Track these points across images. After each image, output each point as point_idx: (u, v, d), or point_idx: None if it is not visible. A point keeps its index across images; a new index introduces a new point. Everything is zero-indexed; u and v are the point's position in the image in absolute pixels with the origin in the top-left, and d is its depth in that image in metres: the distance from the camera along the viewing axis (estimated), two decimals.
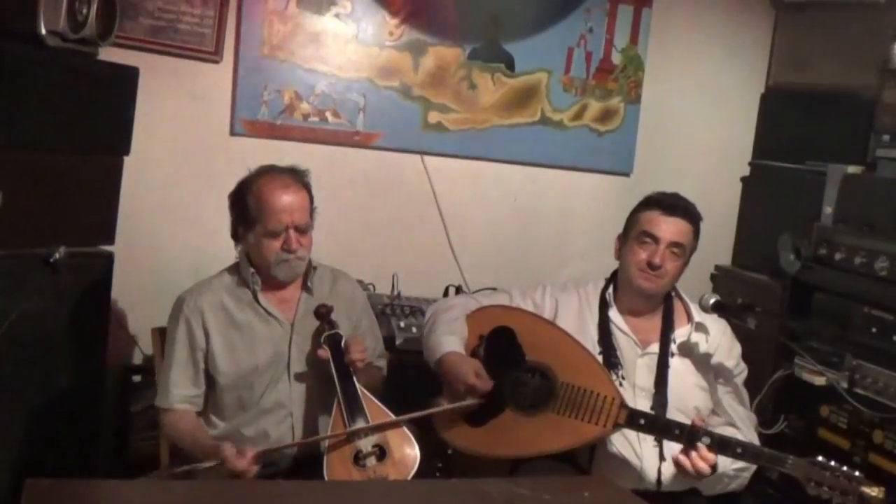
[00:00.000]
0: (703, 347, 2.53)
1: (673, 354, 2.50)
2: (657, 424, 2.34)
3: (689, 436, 2.28)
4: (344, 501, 2.01)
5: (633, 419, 2.34)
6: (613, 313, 2.57)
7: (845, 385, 2.90)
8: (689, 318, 2.57)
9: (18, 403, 2.58)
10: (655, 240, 2.48)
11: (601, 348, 2.51)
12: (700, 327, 2.55)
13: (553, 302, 2.64)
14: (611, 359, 2.49)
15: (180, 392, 2.42)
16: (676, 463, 2.30)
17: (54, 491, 1.81)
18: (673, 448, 2.34)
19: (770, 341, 3.14)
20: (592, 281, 2.68)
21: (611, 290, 2.61)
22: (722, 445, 2.27)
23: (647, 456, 2.40)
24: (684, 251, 2.51)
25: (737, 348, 2.58)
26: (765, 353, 3.15)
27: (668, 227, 2.48)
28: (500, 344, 2.55)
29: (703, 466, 2.26)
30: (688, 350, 2.52)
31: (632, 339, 2.53)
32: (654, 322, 2.56)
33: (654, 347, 2.52)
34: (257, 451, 2.24)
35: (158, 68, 3.16)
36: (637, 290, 2.52)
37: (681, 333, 2.54)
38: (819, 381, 2.97)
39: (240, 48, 3.32)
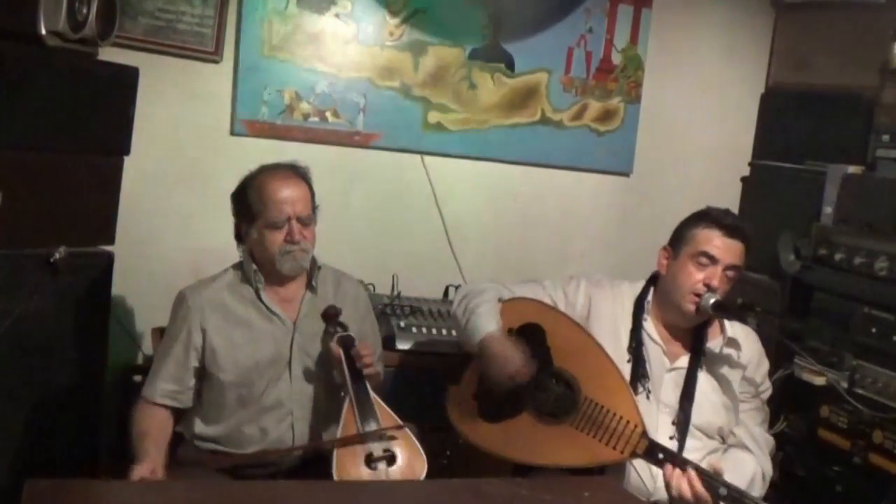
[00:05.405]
0: (733, 363, 2.45)
1: (702, 367, 2.42)
2: (675, 462, 2.21)
3: (705, 481, 2.17)
4: (346, 500, 2.01)
5: (652, 452, 2.24)
6: (647, 322, 2.47)
7: (845, 385, 2.90)
8: (722, 331, 2.48)
9: (18, 403, 2.57)
10: (714, 261, 2.37)
11: (630, 356, 2.43)
12: (732, 343, 2.45)
13: (586, 299, 2.52)
14: (639, 370, 2.41)
15: (165, 387, 2.42)
16: (665, 477, 2.21)
17: (54, 491, 1.81)
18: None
19: (770, 341, 3.13)
20: (628, 281, 2.56)
21: (650, 297, 2.50)
22: (735, 501, 2.12)
23: (661, 475, 2.28)
24: (739, 275, 2.41)
25: (765, 365, 2.51)
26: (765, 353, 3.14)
27: (729, 250, 2.37)
28: (529, 342, 2.44)
29: (685, 488, 2.15)
30: (717, 363, 2.44)
31: (661, 349, 2.44)
32: (687, 334, 2.48)
33: (683, 361, 2.43)
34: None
35: (158, 68, 3.16)
36: (684, 313, 2.41)
37: (711, 346, 2.45)
38: (819, 381, 2.97)
39: (240, 48, 3.32)
